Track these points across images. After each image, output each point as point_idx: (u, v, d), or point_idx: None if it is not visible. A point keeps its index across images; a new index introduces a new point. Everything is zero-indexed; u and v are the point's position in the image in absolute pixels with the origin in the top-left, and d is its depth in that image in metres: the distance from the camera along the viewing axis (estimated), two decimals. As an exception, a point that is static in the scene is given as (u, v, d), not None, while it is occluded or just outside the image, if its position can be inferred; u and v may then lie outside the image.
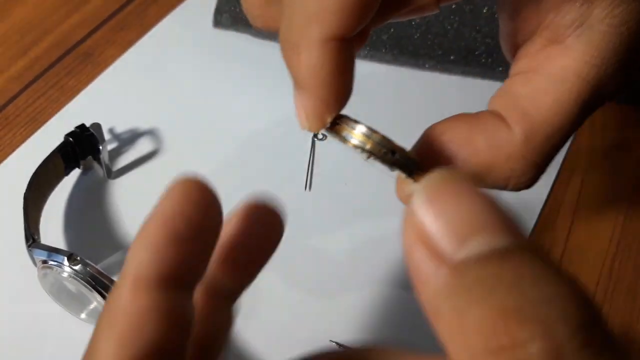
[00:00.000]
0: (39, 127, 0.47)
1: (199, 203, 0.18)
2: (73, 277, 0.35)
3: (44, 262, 0.35)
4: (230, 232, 0.21)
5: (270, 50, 0.52)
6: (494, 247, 0.15)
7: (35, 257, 0.36)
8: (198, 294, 0.19)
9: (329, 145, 0.26)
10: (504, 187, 0.24)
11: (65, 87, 0.50)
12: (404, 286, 0.40)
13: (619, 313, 0.40)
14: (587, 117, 0.23)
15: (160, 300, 0.17)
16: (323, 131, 0.24)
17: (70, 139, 0.42)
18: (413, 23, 0.50)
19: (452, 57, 0.49)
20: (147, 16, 0.55)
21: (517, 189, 0.24)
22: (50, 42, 0.53)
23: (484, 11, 0.49)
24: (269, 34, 0.52)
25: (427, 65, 0.50)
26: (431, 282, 0.15)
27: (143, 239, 0.18)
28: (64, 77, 0.51)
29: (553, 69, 0.23)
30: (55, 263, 0.35)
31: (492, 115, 0.23)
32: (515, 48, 0.25)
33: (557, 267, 0.15)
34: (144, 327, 0.16)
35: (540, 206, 0.44)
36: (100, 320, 0.17)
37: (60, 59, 0.52)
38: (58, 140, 0.42)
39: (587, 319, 0.14)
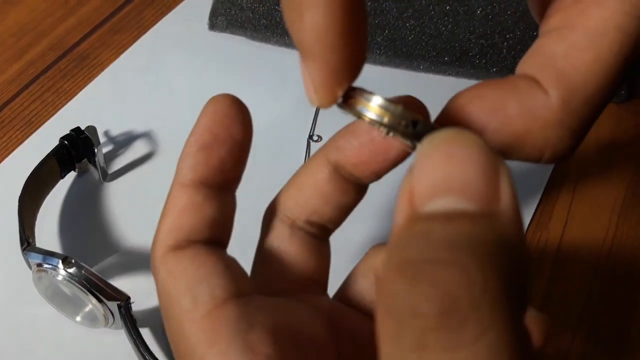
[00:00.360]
0: (34, 130, 0.47)
1: (223, 120, 0.22)
2: (68, 280, 0.35)
3: (39, 265, 0.35)
4: (206, 132, 0.22)
5: (265, 53, 0.52)
6: (457, 208, 0.15)
7: (30, 260, 0.36)
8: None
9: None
10: (538, 159, 0.21)
11: (60, 90, 0.50)
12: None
13: (614, 313, 0.40)
14: (626, 77, 0.21)
15: (195, 198, 0.21)
16: (336, 105, 0.21)
17: (66, 142, 0.42)
18: (407, 25, 0.50)
19: (446, 59, 0.49)
20: (143, 19, 0.55)
21: (553, 160, 0.21)
22: (46, 45, 0.53)
23: (478, 12, 0.49)
24: (265, 36, 0.52)
25: (421, 67, 0.50)
26: (394, 226, 0.16)
27: (184, 152, 0.22)
28: (59, 80, 0.51)
29: (590, 22, 0.20)
30: (50, 266, 0.35)
31: (524, 79, 0.21)
32: (545, 3, 0.22)
33: (503, 248, 0.15)
34: (184, 217, 0.21)
35: (535, 205, 0.44)
36: (161, 213, 0.22)
37: (55, 62, 0.52)
38: (54, 143, 0.42)
39: (462, 294, 0.14)
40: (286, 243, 0.24)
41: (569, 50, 0.20)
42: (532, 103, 0.20)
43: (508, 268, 0.15)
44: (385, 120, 0.20)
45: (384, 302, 0.15)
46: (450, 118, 0.22)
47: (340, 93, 0.21)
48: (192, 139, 0.22)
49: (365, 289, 0.24)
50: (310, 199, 0.23)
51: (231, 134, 0.22)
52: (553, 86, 0.20)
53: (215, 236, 0.22)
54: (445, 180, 0.16)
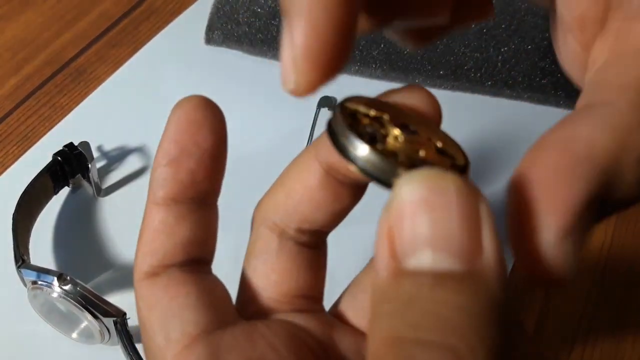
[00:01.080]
0: (31, 146, 0.47)
1: (188, 127, 0.21)
2: (63, 297, 0.35)
3: (34, 282, 0.35)
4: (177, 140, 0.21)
5: (262, 67, 0.52)
6: (442, 266, 0.15)
7: (25, 277, 0.36)
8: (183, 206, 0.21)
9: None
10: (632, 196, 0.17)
11: (57, 105, 0.50)
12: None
13: (610, 320, 0.40)
14: None
15: (167, 218, 0.20)
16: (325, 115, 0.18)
17: (59, 158, 0.42)
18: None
19: (441, 72, 0.50)
20: (139, 33, 0.55)
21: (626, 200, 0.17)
22: (42, 60, 0.53)
23: (472, 26, 0.49)
24: (261, 50, 0.52)
25: (416, 81, 0.50)
26: (377, 275, 0.16)
27: (153, 168, 0.21)
28: (55, 95, 0.51)
29: (637, 43, 0.18)
30: (45, 283, 0.35)
31: (580, 110, 0.18)
32: (587, 47, 0.20)
33: (490, 313, 0.14)
34: (156, 240, 0.20)
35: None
36: (139, 235, 0.21)
37: (52, 76, 0.52)
38: (49, 158, 0.42)
39: None
40: (274, 256, 0.23)
41: (621, 69, 0.18)
42: (603, 118, 0.17)
43: (496, 334, 0.14)
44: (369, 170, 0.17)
45: None
46: (519, 201, 0.17)
47: (322, 72, 0.17)
48: (159, 153, 0.20)
49: (365, 306, 0.23)
50: (301, 206, 0.22)
51: (198, 142, 0.21)
52: (616, 96, 0.18)
53: (194, 256, 0.21)
54: (427, 234, 0.15)
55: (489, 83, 0.49)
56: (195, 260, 0.21)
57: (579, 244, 0.17)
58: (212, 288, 0.21)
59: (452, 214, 0.15)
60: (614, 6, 0.19)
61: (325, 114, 0.46)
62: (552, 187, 0.16)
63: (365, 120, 0.18)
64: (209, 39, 0.53)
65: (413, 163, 0.17)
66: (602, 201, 0.17)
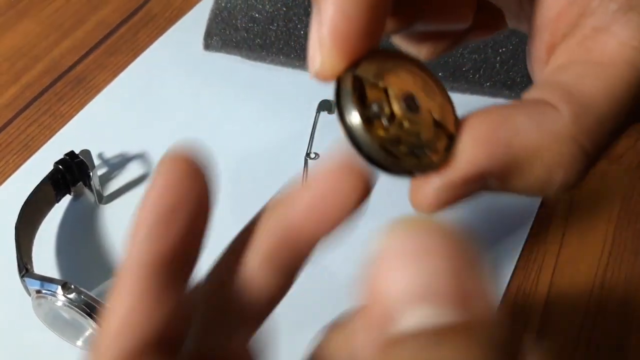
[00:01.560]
0: (31, 155, 0.47)
1: (177, 189, 0.18)
2: (67, 306, 0.35)
3: (38, 291, 0.35)
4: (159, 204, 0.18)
5: (261, 72, 0.52)
6: (437, 321, 0.13)
7: (29, 287, 0.36)
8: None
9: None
10: (549, 183, 0.19)
11: (56, 113, 0.50)
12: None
13: (612, 323, 0.40)
14: (633, 117, 0.20)
15: (148, 291, 0.17)
16: (336, 83, 0.18)
17: (60, 166, 0.42)
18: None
19: (440, 74, 0.50)
20: (138, 40, 0.55)
21: (565, 184, 0.19)
22: (41, 69, 0.53)
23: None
24: (260, 55, 0.52)
25: (415, 82, 0.50)
26: (366, 340, 0.14)
27: (133, 230, 0.18)
28: (55, 103, 0.51)
29: (600, 56, 0.20)
30: (49, 292, 0.35)
31: (532, 99, 0.19)
32: (551, 48, 0.21)
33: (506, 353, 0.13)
34: (130, 323, 0.17)
35: (532, 218, 0.44)
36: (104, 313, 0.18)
37: (51, 85, 0.52)
38: (50, 167, 0.42)
39: None
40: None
41: (577, 78, 0.20)
42: (542, 117, 0.19)
43: None
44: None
45: None
46: (468, 132, 0.19)
47: (347, 57, 0.18)
48: (138, 216, 0.18)
49: None
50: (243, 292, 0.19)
51: (184, 207, 0.18)
52: (563, 102, 0.19)
53: (170, 334, 0.18)
54: (418, 288, 0.13)
55: (488, 84, 0.49)
56: (169, 339, 0.18)
57: (452, 198, 0.19)
58: None
59: (443, 263, 0.14)
60: (588, 13, 0.20)
61: (325, 117, 0.46)
62: (466, 150, 0.18)
63: (372, 94, 0.18)
64: (208, 45, 0.53)
65: (411, 150, 0.18)
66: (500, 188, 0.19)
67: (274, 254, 0.19)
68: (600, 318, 0.40)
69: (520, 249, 0.43)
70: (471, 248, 0.14)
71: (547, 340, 0.39)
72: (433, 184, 0.19)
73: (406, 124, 0.18)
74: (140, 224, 0.18)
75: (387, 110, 0.18)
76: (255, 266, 0.19)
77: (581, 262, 0.42)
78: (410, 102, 0.19)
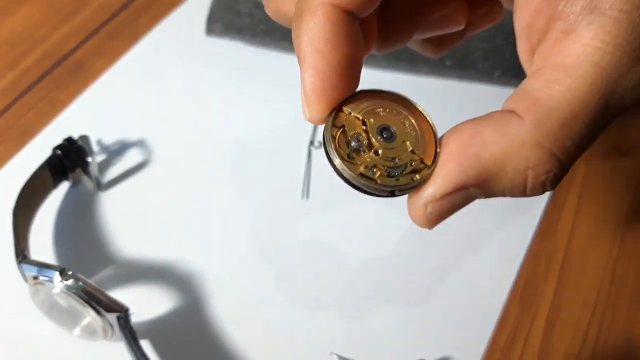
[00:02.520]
0: (30, 140, 0.46)
1: None
2: (65, 293, 0.34)
3: (35, 278, 0.35)
4: None
5: (263, 59, 0.51)
6: None
7: (26, 273, 0.35)
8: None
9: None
10: (524, 186, 0.22)
11: (55, 99, 0.49)
12: (402, 300, 0.39)
13: (621, 319, 0.39)
14: (608, 114, 0.22)
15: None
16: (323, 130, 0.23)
17: (59, 151, 0.41)
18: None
19: (447, 63, 0.49)
20: (138, 25, 0.54)
21: (540, 185, 0.22)
22: (40, 54, 0.52)
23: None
24: (263, 41, 0.51)
25: (422, 71, 0.49)
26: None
27: None
28: (54, 88, 0.50)
29: (565, 58, 0.22)
30: (47, 278, 0.34)
31: (500, 111, 0.22)
32: (532, 52, 0.24)
33: None
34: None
35: (541, 213, 0.43)
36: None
37: (50, 70, 0.51)
38: (49, 153, 0.41)
39: None
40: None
41: (545, 83, 0.22)
42: (506, 128, 0.21)
43: None
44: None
45: None
46: (443, 151, 0.22)
47: (327, 106, 0.22)
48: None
49: None
50: None
51: None
52: (527, 112, 0.21)
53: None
54: None
55: (497, 73, 0.48)
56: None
57: (443, 211, 0.22)
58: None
59: None
60: (555, 16, 0.22)
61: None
62: (441, 167, 0.22)
63: (352, 130, 0.23)
64: (210, 30, 0.52)
65: (388, 173, 0.22)
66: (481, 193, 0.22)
67: None
68: (610, 312, 0.39)
69: (529, 242, 0.42)
70: None
71: (556, 333, 0.38)
72: (420, 201, 0.22)
73: (382, 152, 0.23)
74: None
75: (365, 142, 0.23)
76: None
77: (590, 257, 0.42)
78: (385, 132, 0.23)
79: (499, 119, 0.22)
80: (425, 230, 0.25)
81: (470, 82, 0.49)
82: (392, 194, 0.22)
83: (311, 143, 0.46)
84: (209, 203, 0.43)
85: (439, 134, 0.23)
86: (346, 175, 0.22)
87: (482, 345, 0.38)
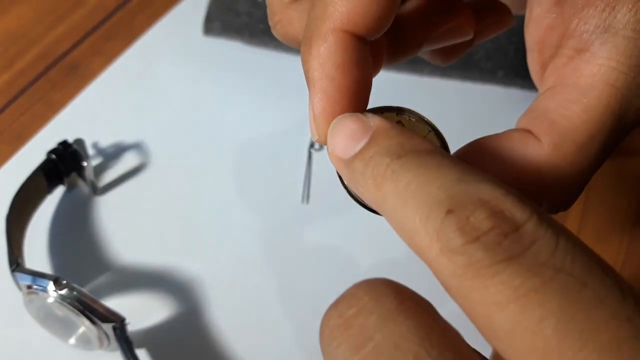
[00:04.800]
0: (24, 144, 0.45)
1: None
2: (59, 302, 0.33)
3: (29, 287, 0.34)
4: None
5: (263, 58, 0.50)
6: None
7: (20, 282, 0.34)
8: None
9: (326, 155, 0.24)
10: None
11: (50, 101, 0.48)
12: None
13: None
14: (621, 133, 0.22)
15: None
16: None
17: (53, 156, 0.40)
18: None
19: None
20: (135, 25, 0.53)
21: (555, 206, 0.22)
22: (35, 55, 0.51)
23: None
24: (262, 41, 0.50)
25: (425, 71, 0.48)
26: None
27: None
28: (49, 90, 0.49)
29: (580, 78, 0.22)
30: (41, 288, 0.33)
31: (518, 130, 0.22)
32: (544, 67, 0.24)
33: None
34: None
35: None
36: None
37: (45, 71, 0.50)
38: (43, 157, 0.40)
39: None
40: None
41: (560, 103, 0.22)
42: (526, 149, 0.21)
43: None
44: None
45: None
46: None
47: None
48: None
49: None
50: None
51: None
52: (545, 134, 0.21)
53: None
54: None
55: (501, 73, 0.47)
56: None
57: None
58: None
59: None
60: (568, 35, 0.22)
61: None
62: None
63: None
64: (208, 30, 0.51)
65: None
66: None
67: None
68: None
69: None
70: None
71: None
72: None
73: None
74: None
75: None
76: None
77: (601, 248, 0.41)
78: None
79: (517, 138, 0.22)
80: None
81: (473, 82, 0.48)
82: None
83: (311, 145, 0.45)
84: (207, 207, 0.42)
85: (448, 141, 0.23)
86: (354, 196, 0.23)
87: (486, 352, 0.37)
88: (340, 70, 0.22)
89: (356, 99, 0.22)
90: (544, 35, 0.23)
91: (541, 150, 0.21)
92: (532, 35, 0.24)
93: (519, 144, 0.22)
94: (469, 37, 0.28)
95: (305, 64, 0.22)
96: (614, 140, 0.22)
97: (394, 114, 0.24)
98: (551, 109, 0.22)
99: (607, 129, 0.21)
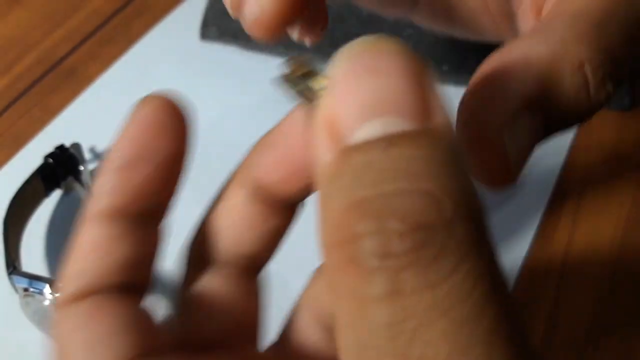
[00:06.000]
0: (21, 148, 0.46)
1: (150, 129, 0.19)
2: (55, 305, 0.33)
3: (25, 290, 0.34)
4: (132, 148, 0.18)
5: (260, 64, 0.51)
6: (393, 130, 0.13)
7: (16, 285, 0.35)
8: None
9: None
10: (586, 88, 0.19)
11: (48, 105, 0.49)
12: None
13: (622, 323, 0.39)
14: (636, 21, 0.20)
15: (108, 232, 0.18)
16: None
17: (50, 160, 0.41)
18: (405, 33, 0.49)
19: (444, 68, 0.48)
20: (132, 30, 0.53)
21: (601, 82, 0.19)
22: (33, 59, 0.52)
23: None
24: (259, 46, 0.50)
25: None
26: (319, 166, 0.14)
27: (101, 171, 0.18)
28: (47, 95, 0.49)
29: None
30: (37, 291, 0.34)
31: (535, 28, 0.21)
32: (537, 12, 0.23)
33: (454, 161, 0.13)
34: (90, 259, 0.18)
35: (539, 216, 0.43)
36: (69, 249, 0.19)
37: (43, 76, 0.51)
38: (40, 161, 0.41)
39: (435, 222, 0.12)
40: (211, 282, 0.21)
41: None
42: (543, 34, 0.20)
43: (466, 184, 0.13)
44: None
45: (340, 255, 0.13)
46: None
47: (283, 22, 0.21)
48: (110, 155, 0.18)
49: (311, 326, 0.21)
50: (231, 228, 0.21)
51: (159, 147, 0.19)
52: (556, 17, 0.20)
53: (127, 281, 0.18)
54: (374, 100, 0.13)
55: (494, 77, 0.48)
56: (130, 285, 0.19)
57: (522, 149, 0.19)
58: (145, 316, 0.18)
59: (400, 76, 0.14)
60: None
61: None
62: (490, 89, 0.20)
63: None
64: (205, 35, 0.52)
65: None
66: (545, 114, 0.19)
67: None
68: (609, 321, 0.39)
69: (526, 250, 0.42)
70: (425, 66, 0.14)
71: (555, 342, 0.38)
72: None
73: None
74: (106, 167, 0.18)
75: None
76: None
77: (589, 263, 0.41)
78: None
79: (523, 36, 0.20)
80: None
81: (466, 86, 0.49)
82: None
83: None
84: (204, 211, 0.43)
85: None
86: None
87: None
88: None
89: None
90: None
91: (559, 26, 0.20)
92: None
93: (533, 34, 0.20)
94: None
95: None
96: (631, 25, 0.20)
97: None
98: (553, 8, 0.21)
99: (627, 9, 0.20)
